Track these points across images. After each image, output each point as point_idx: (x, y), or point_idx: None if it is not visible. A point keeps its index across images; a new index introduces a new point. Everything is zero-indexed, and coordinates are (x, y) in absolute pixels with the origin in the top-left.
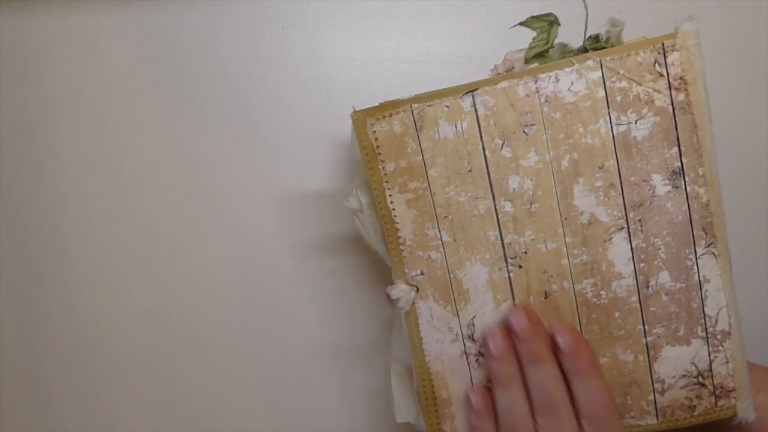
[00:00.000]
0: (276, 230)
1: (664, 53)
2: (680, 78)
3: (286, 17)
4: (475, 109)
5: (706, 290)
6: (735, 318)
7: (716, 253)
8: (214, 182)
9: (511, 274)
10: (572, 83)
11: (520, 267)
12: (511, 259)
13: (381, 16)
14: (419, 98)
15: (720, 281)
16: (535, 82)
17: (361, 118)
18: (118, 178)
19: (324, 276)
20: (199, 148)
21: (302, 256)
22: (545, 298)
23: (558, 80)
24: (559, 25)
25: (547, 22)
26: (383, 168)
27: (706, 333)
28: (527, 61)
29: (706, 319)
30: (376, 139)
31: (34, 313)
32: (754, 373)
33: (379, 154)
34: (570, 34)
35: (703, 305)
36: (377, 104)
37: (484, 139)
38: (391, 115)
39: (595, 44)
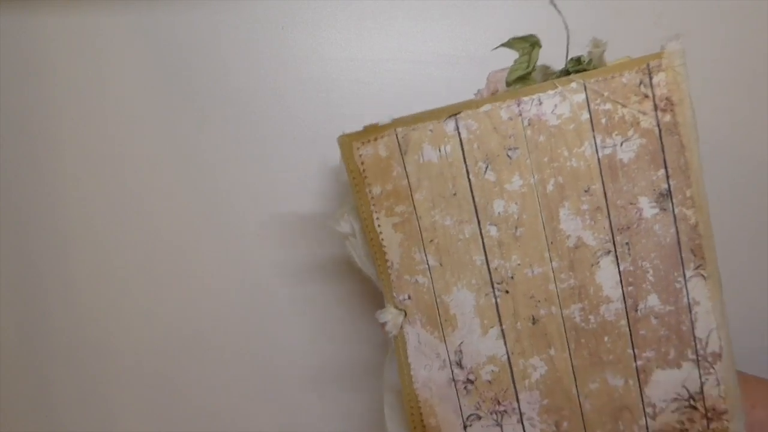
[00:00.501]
0: (276, 230)
1: (650, 74)
2: (666, 99)
3: (286, 17)
4: (459, 133)
5: (696, 312)
6: (725, 340)
7: (705, 275)
8: (214, 182)
9: (498, 300)
10: (556, 106)
11: (507, 292)
12: (498, 284)
13: (381, 16)
14: (403, 122)
15: (709, 303)
16: (518, 105)
17: (348, 142)
18: (118, 178)
19: (325, 276)
20: (199, 148)
21: (303, 255)
22: (533, 323)
23: (541, 103)
24: (540, 47)
25: (529, 44)
26: (370, 191)
27: (697, 356)
28: (509, 84)
29: (696, 341)
30: (362, 163)
31: (34, 313)
32: (748, 385)
33: (366, 177)
34: (563, 50)
35: (693, 328)
36: (362, 128)
37: (467, 162)
38: (376, 139)
39: (576, 66)
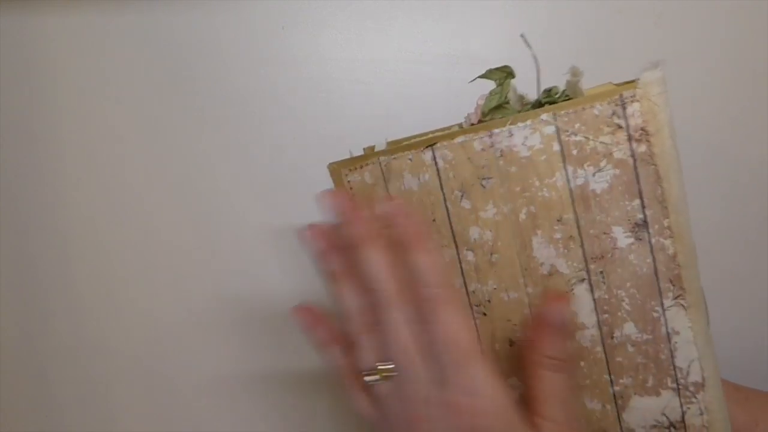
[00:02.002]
0: (276, 230)
1: (623, 105)
2: (641, 129)
3: (286, 17)
4: (436, 163)
5: (676, 342)
6: (710, 370)
7: (685, 305)
8: (215, 182)
9: (477, 321)
10: (526, 138)
11: (485, 314)
12: (476, 306)
13: (381, 16)
14: (386, 151)
15: (690, 333)
16: (490, 136)
17: (337, 169)
18: (118, 178)
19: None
20: (199, 148)
21: (303, 255)
22: (510, 345)
23: (512, 135)
24: (513, 77)
25: (504, 74)
26: None
27: (677, 384)
28: (485, 114)
29: (677, 370)
30: (351, 188)
31: (34, 313)
32: (750, 402)
33: None
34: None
35: (672, 357)
36: (349, 156)
37: (444, 191)
38: (362, 167)
39: (548, 98)
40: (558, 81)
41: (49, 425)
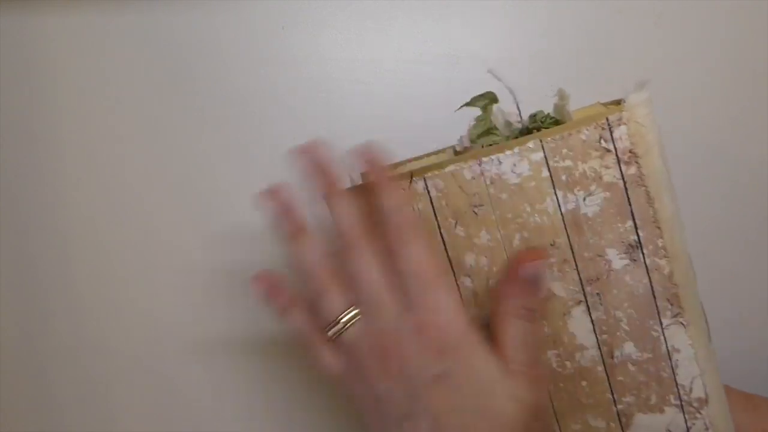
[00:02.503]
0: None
1: (610, 128)
2: (630, 152)
3: (286, 17)
4: (428, 192)
5: (677, 360)
6: (713, 385)
7: (684, 322)
8: (214, 182)
9: None
10: (515, 165)
11: None
12: None
13: (381, 16)
14: None
15: (691, 350)
16: (479, 164)
17: None
18: (118, 178)
19: None
20: (199, 148)
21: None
22: None
23: (501, 163)
24: (496, 102)
25: (487, 100)
26: None
27: (681, 401)
28: (472, 140)
29: (679, 387)
30: None
31: (34, 313)
32: (760, 410)
33: None
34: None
35: (674, 374)
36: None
37: (438, 219)
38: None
39: (534, 123)
40: (559, 82)
41: (49, 425)
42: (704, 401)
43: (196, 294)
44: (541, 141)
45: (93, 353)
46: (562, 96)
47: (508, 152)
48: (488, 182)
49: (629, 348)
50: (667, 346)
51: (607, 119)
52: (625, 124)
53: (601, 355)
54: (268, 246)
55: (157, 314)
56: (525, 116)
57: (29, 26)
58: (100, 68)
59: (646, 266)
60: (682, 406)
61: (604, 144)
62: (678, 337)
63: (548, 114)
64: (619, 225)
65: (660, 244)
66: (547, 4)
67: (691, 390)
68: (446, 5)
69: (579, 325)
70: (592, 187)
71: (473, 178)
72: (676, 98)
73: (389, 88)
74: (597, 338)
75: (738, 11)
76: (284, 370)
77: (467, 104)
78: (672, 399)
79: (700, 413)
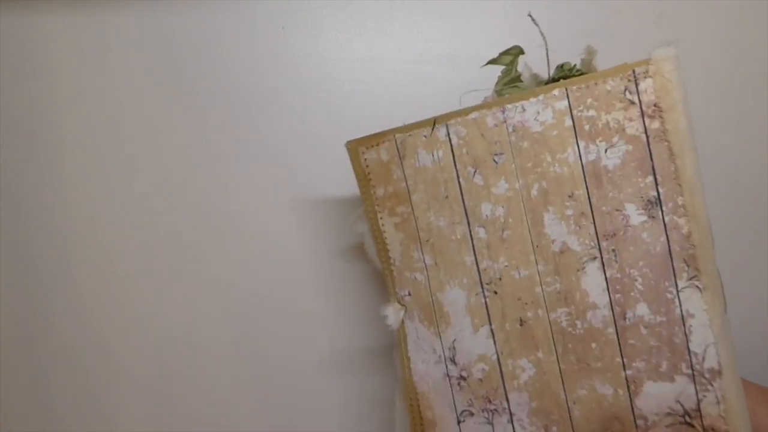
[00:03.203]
0: (276, 232)
1: (636, 80)
2: (654, 105)
3: (286, 17)
4: (449, 139)
5: (690, 325)
6: (727, 356)
7: (701, 286)
8: (214, 183)
9: (487, 300)
10: (538, 113)
11: (496, 293)
12: (486, 284)
13: (381, 16)
14: (401, 129)
15: (706, 316)
16: (503, 112)
17: (354, 147)
18: (118, 178)
19: (326, 280)
20: (199, 148)
21: (305, 258)
22: (521, 325)
23: (524, 110)
24: (523, 53)
25: (512, 55)
26: (374, 192)
27: (692, 370)
28: (498, 92)
29: (692, 355)
30: (367, 166)
31: (35, 313)
32: None
33: (371, 179)
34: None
35: (687, 341)
36: (367, 134)
37: (457, 167)
38: (378, 144)
39: (560, 73)
40: None
41: (49, 425)
42: (717, 372)
43: (196, 294)
44: (566, 89)
45: (93, 353)
46: (589, 51)
47: (532, 99)
48: (510, 129)
49: (642, 309)
50: (681, 310)
51: (634, 71)
52: (651, 77)
53: (613, 316)
54: (268, 246)
55: (157, 314)
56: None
57: (29, 26)
58: (100, 68)
59: (665, 224)
60: (693, 376)
61: (629, 96)
62: (693, 302)
63: (575, 65)
64: (640, 180)
65: (680, 202)
66: (547, 4)
67: (704, 359)
68: (446, 5)
69: (592, 283)
70: (615, 139)
71: (496, 125)
72: None
73: (389, 88)
74: (610, 297)
75: (738, 11)
76: (285, 369)
77: (492, 61)
78: (684, 367)
79: (711, 385)
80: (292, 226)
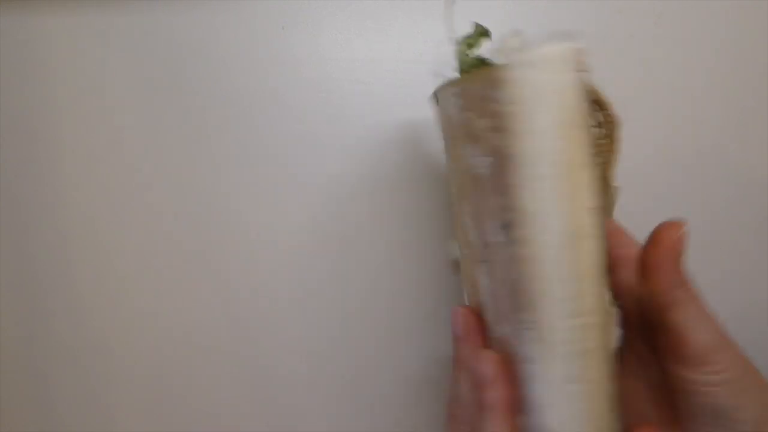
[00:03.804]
0: (276, 232)
1: (494, 86)
2: (505, 118)
3: (286, 17)
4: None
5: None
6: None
7: (534, 336)
8: (214, 182)
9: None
10: (452, 105)
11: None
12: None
13: (381, 16)
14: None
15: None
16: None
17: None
18: (118, 178)
19: (326, 280)
20: (199, 148)
21: (305, 258)
22: None
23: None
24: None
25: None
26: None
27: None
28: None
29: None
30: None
31: (34, 313)
32: None
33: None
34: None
35: (525, 386)
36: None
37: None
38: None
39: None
40: None
41: (49, 425)
42: None
43: (197, 294)
44: (459, 87)
45: (93, 353)
46: (506, 39)
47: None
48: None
49: (504, 330)
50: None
51: (495, 75)
52: (509, 84)
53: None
54: (268, 246)
55: (157, 314)
56: None
57: (29, 26)
58: (100, 68)
59: (514, 252)
60: None
61: (491, 105)
62: (530, 347)
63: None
64: (499, 198)
65: (519, 234)
66: (547, 4)
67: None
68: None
69: (483, 282)
70: (482, 148)
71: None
72: (675, 98)
73: (389, 88)
74: (490, 305)
75: (738, 11)
76: (284, 370)
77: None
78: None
79: None
80: (292, 226)
